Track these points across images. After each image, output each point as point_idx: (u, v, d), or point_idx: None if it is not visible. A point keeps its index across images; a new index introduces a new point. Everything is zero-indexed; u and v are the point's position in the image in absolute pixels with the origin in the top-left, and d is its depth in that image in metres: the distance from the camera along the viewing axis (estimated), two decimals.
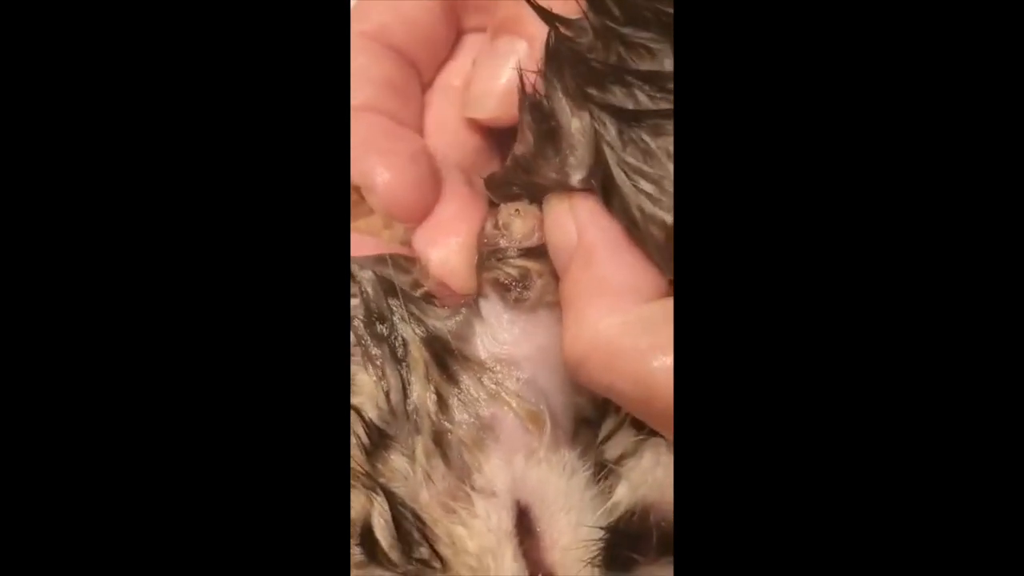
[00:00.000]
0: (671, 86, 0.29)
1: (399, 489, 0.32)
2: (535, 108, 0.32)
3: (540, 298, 0.33)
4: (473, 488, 0.32)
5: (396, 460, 0.33)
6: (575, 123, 0.31)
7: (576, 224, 0.31)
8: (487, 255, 0.33)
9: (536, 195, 0.33)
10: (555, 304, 0.32)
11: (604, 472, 0.33)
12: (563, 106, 0.31)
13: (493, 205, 0.34)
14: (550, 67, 0.31)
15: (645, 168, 0.30)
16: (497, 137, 0.36)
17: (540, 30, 0.32)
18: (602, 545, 0.32)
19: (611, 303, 0.30)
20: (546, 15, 0.31)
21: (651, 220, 0.30)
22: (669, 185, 0.30)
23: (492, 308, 0.33)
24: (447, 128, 0.36)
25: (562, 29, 0.31)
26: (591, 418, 0.34)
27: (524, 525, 0.32)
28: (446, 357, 0.33)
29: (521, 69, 0.32)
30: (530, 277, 0.33)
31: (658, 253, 0.30)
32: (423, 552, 0.32)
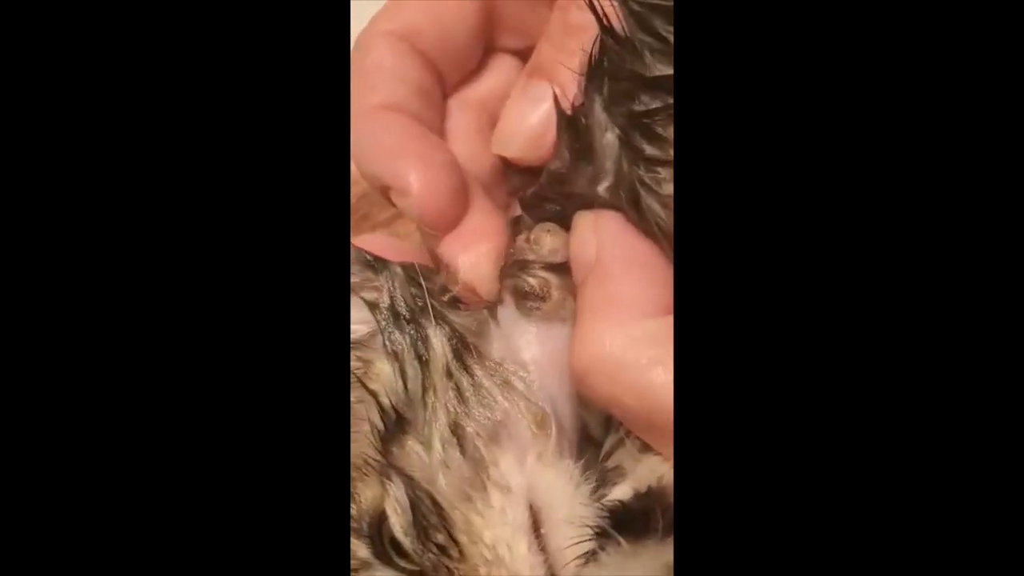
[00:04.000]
0: None
1: (416, 474, 0.32)
2: (571, 126, 0.33)
3: (555, 311, 0.34)
4: (489, 479, 0.32)
5: (412, 446, 0.33)
6: (608, 136, 0.32)
7: (596, 240, 0.32)
8: (512, 264, 0.34)
9: (569, 208, 0.34)
10: (568, 319, 0.33)
11: (604, 480, 0.33)
12: (600, 120, 0.32)
13: (515, 221, 0.35)
14: (592, 81, 0.32)
15: (659, 159, 0.31)
16: None
17: (571, 78, 0.33)
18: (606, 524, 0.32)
19: (619, 317, 0.30)
20: (601, 23, 0.32)
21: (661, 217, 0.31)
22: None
23: (508, 314, 0.34)
24: (464, 140, 0.37)
25: (611, 40, 0.32)
26: (596, 436, 0.34)
27: (536, 526, 0.32)
28: (464, 353, 0.34)
29: (558, 96, 0.33)
30: (548, 288, 0.34)
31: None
32: (439, 537, 0.32)
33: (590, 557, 0.32)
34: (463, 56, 0.38)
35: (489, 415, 0.33)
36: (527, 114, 0.34)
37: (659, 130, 0.31)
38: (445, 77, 0.38)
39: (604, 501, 0.32)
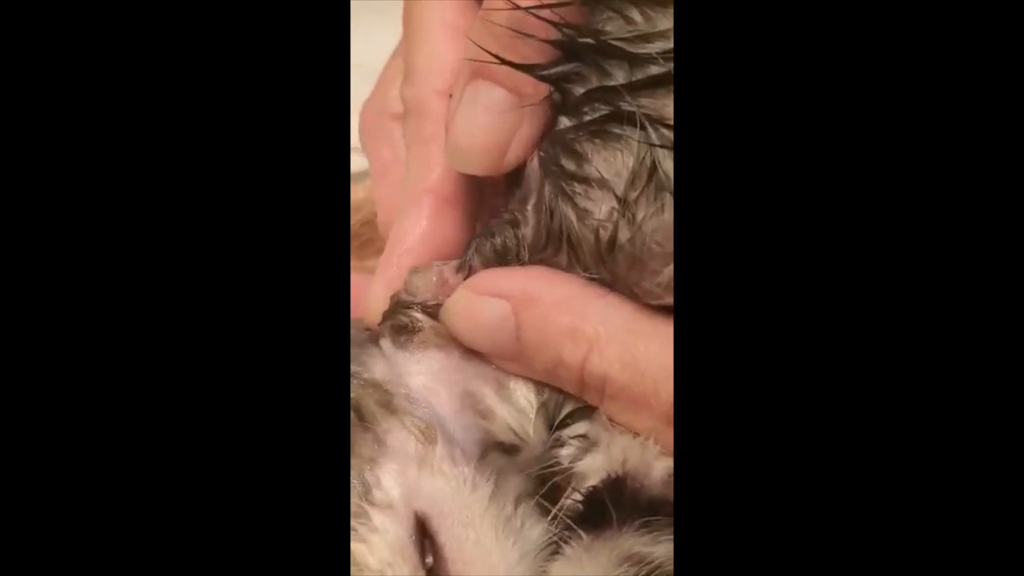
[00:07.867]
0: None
1: None
2: None
3: (429, 340, 0.34)
4: (372, 504, 0.32)
5: None
6: (532, 158, 0.33)
7: (498, 291, 0.33)
8: (397, 304, 0.35)
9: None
10: (443, 347, 0.34)
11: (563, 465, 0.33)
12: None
13: None
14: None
15: (575, 175, 0.32)
16: None
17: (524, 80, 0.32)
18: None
19: (575, 312, 0.32)
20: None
21: (583, 224, 0.32)
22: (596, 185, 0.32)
23: (388, 343, 0.35)
24: None
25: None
26: (506, 442, 0.34)
27: (426, 535, 0.32)
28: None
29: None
30: (417, 322, 0.34)
31: (591, 256, 0.32)
32: None
33: (556, 550, 0.32)
34: None
35: (371, 437, 0.32)
36: (484, 124, 0.33)
37: (576, 147, 0.32)
38: None
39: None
